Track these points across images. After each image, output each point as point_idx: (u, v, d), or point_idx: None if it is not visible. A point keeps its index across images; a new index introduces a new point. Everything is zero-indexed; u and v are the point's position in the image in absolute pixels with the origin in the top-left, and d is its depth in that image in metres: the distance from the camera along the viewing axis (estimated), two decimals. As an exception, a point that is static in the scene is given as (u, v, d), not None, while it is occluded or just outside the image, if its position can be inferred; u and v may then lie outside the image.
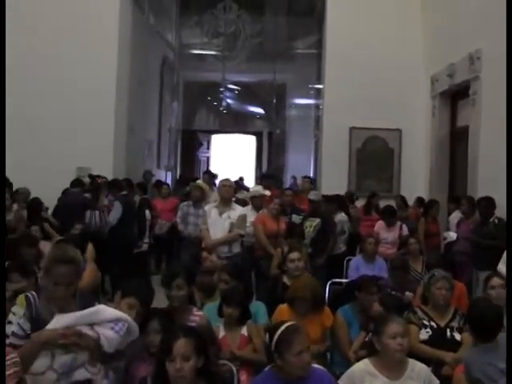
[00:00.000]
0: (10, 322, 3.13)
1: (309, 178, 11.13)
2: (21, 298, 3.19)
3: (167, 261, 10.90)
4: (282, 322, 3.64)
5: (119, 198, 9.23)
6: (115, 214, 9.04)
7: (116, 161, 11.25)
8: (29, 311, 3.12)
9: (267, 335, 3.57)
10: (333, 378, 3.64)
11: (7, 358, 2.77)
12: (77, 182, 9.29)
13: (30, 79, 10.96)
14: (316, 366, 3.63)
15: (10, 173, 9.59)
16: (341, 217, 8.59)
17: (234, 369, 4.11)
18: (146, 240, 9.77)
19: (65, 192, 9.68)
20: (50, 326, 3.07)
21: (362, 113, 11.11)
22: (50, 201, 9.34)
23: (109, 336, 3.19)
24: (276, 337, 3.48)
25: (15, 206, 8.66)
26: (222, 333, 4.55)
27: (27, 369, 2.93)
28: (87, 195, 9.35)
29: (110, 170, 10.72)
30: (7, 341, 3.02)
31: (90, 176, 9.94)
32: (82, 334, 3.12)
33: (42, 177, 9.94)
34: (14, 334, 3.08)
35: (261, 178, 13.90)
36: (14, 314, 3.15)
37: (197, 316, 4.14)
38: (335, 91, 11.45)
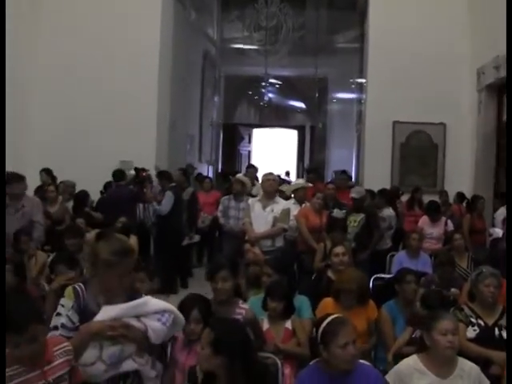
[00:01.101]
0: (59, 314, 3.15)
1: (345, 173, 10.98)
2: (69, 290, 3.21)
3: (209, 254, 10.97)
4: (329, 314, 3.62)
5: (170, 189, 9.30)
6: (168, 203, 9.08)
7: (158, 155, 11.31)
8: (77, 303, 3.13)
9: (314, 329, 3.55)
10: (380, 374, 3.59)
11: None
12: (119, 174, 9.36)
13: (74, 77, 11.09)
14: (362, 361, 3.59)
15: (55, 167, 9.85)
16: (389, 212, 8.51)
17: (279, 362, 4.09)
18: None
19: (107, 186, 9.78)
20: (98, 318, 3.08)
21: (405, 107, 10.96)
22: (95, 194, 9.50)
23: (156, 328, 3.20)
24: (322, 328, 3.45)
25: (60, 198, 8.81)
26: (266, 326, 4.55)
27: (77, 360, 2.96)
28: (133, 188, 9.45)
29: (152, 163, 10.77)
30: (57, 332, 3.05)
31: (136, 169, 10.02)
32: (129, 325, 3.13)
33: (86, 171, 10.07)
34: (63, 325, 3.10)
35: (306, 172, 13.84)
36: (62, 306, 3.16)
37: (243, 309, 4.12)
38: (378, 85, 11.33)
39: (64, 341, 2.89)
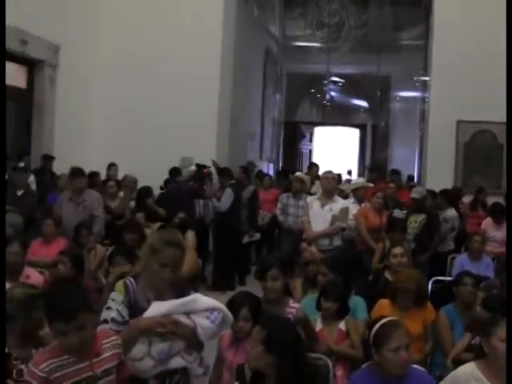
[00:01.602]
0: (109, 308, 3.15)
1: (398, 173, 10.70)
2: (119, 284, 3.21)
3: (268, 252, 10.95)
4: (383, 316, 3.54)
5: (230, 186, 9.32)
6: (227, 200, 9.09)
7: (219, 152, 11.36)
8: (127, 298, 3.13)
9: (367, 330, 3.49)
10: (434, 381, 3.46)
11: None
12: (174, 171, 9.42)
13: (136, 75, 11.24)
14: (417, 366, 3.49)
15: (117, 163, 10.05)
16: (451, 213, 8.32)
17: (330, 363, 4.03)
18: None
19: (167, 182, 9.85)
20: (147, 314, 3.08)
21: (470, 106, 10.69)
22: (156, 190, 9.61)
23: (204, 325, 3.19)
24: (374, 330, 3.38)
25: (121, 194, 8.97)
26: (319, 326, 4.47)
27: (126, 354, 2.99)
28: (193, 184, 9.48)
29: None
30: (107, 326, 3.06)
31: (197, 165, 10.05)
32: (178, 322, 3.12)
33: (148, 167, 10.21)
34: (113, 319, 3.11)
35: (369, 171, 13.71)
36: (113, 300, 3.16)
37: (293, 308, 4.06)
38: (442, 83, 11.08)
39: (113, 334, 2.91)
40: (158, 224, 7.14)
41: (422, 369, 3.55)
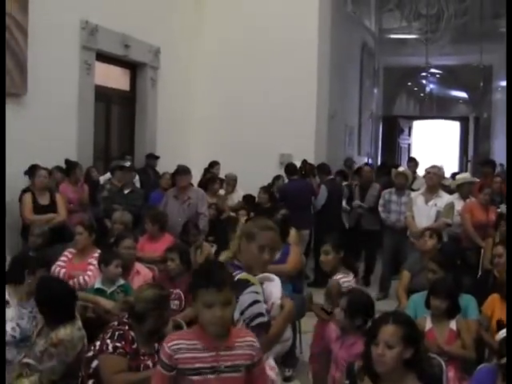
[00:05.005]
0: (258, 301, 3.06)
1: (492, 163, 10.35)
2: (249, 277, 3.14)
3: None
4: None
5: (325, 183, 9.27)
6: (322, 197, 9.08)
7: (317, 147, 11.33)
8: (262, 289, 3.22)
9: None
10: None
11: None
12: (293, 168, 9.27)
13: (234, 73, 11.38)
14: None
15: (219, 159, 10.17)
16: None
17: (443, 363, 3.95)
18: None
19: (276, 178, 9.81)
20: (276, 295, 3.28)
21: None
22: (255, 187, 9.61)
23: None
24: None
25: (221, 191, 9.12)
26: (428, 325, 4.39)
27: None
28: (309, 181, 9.43)
29: (311, 156, 10.79)
30: (264, 319, 3.06)
31: (303, 162, 10.04)
32: None
33: (248, 164, 10.30)
34: (267, 311, 3.15)
35: (481, 164, 13.27)
36: (257, 293, 3.09)
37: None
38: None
39: (251, 335, 2.81)
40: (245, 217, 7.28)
41: None
